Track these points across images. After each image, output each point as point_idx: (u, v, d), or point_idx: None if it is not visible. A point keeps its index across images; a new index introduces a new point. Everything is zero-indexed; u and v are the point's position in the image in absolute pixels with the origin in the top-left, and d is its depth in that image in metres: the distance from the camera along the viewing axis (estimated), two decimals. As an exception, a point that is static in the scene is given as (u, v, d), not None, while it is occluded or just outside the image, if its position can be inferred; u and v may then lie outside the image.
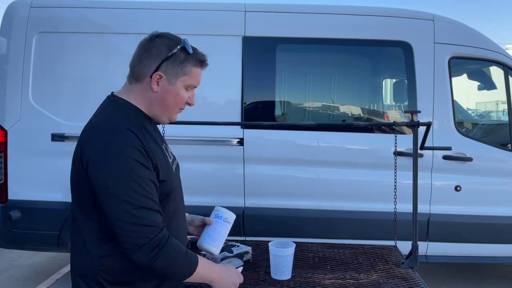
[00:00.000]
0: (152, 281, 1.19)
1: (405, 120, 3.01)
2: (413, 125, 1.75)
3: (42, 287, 3.48)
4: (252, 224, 3.16)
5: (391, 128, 2.99)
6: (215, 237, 1.42)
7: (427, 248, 3.20)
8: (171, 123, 1.31)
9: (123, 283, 1.15)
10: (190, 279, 1.19)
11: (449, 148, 1.87)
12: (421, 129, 2.14)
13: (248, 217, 3.18)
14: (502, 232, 3.16)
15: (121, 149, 1.07)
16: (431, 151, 3.16)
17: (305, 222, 3.14)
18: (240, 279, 1.33)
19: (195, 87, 1.24)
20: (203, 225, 1.48)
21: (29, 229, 3.12)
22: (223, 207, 1.49)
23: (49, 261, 4.08)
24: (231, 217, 1.43)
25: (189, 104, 1.25)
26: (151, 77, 1.18)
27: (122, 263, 1.12)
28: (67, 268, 3.88)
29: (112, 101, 1.22)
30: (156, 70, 1.17)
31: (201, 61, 1.22)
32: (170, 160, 1.27)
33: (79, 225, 1.16)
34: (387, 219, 3.00)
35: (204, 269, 1.21)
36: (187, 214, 1.48)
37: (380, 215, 3.09)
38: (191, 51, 1.19)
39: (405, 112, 1.76)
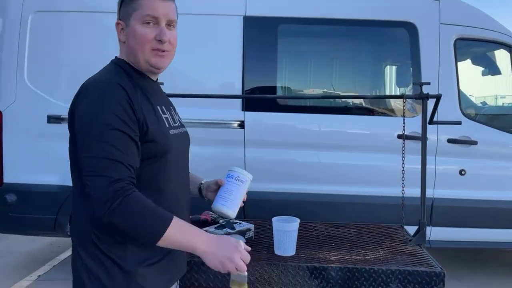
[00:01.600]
0: (145, 248, 1.11)
1: (410, 102, 2.97)
2: (422, 98, 1.69)
3: (39, 273, 3.42)
4: (253, 208, 3.09)
5: (394, 111, 2.92)
6: (226, 197, 1.30)
7: (430, 233, 3.14)
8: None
9: (114, 245, 1.09)
10: (166, 245, 1.04)
11: (459, 123, 1.81)
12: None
13: (249, 200, 3.08)
14: (506, 217, 3.11)
15: (104, 103, 1.05)
16: (436, 135, 3.10)
17: (306, 206, 3.08)
18: (239, 253, 1.08)
19: (155, 17, 1.14)
20: (219, 188, 1.37)
21: (25, 213, 3.05)
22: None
23: (47, 248, 4.02)
24: (245, 176, 1.31)
25: (162, 41, 1.14)
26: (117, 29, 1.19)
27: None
28: (65, 255, 3.83)
29: (111, 62, 1.23)
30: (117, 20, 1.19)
31: None
32: (172, 124, 1.23)
33: (77, 190, 1.14)
34: (389, 204, 2.95)
35: (183, 235, 1.04)
36: (204, 180, 1.43)
37: (383, 200, 3.03)
38: None
39: (413, 84, 1.69)
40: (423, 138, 1.70)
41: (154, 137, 1.10)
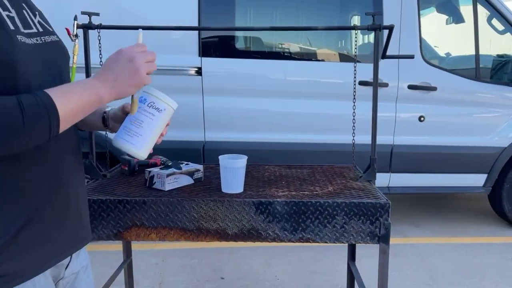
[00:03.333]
0: (4, 212, 0.79)
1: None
2: (375, 29, 1.61)
3: None
4: (212, 157, 3.04)
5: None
6: (133, 130, 0.92)
7: (389, 179, 3.19)
8: None
9: None
10: (70, 121, 0.78)
11: (411, 57, 1.76)
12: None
13: (209, 151, 3.05)
14: (463, 162, 3.18)
15: None
16: (397, 82, 3.08)
17: (267, 154, 3.04)
18: (136, 54, 0.83)
19: None
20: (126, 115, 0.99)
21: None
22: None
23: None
24: (164, 102, 0.94)
25: None
26: None
27: None
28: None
29: None
30: None
31: None
32: (23, 29, 0.83)
33: None
34: (349, 150, 2.95)
35: (74, 98, 0.77)
36: (110, 108, 1.06)
37: (343, 147, 3.02)
38: None
39: (366, 14, 1.61)
40: (374, 71, 1.65)
41: None
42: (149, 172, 1.66)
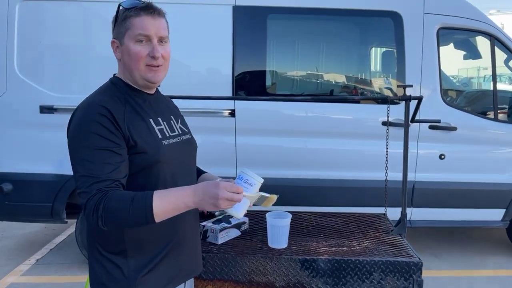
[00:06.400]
0: (145, 254, 1.23)
1: (394, 89, 3.11)
2: (405, 99, 1.80)
3: (37, 257, 3.53)
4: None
5: (383, 100, 3.04)
6: None
7: (411, 213, 3.35)
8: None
9: (116, 252, 1.22)
10: (163, 218, 1.12)
11: (438, 121, 1.94)
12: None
13: (240, 186, 3.24)
14: (481, 198, 3.32)
15: (85, 125, 1.15)
16: (418, 123, 3.24)
17: (295, 190, 3.23)
18: (222, 189, 1.11)
19: (147, 36, 1.22)
20: None
21: (21, 201, 3.13)
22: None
23: (41, 231, 4.12)
24: (254, 179, 1.28)
25: (154, 57, 1.22)
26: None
27: (114, 233, 1.20)
28: (60, 238, 3.93)
29: (109, 79, 1.31)
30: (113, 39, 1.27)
31: (138, 9, 1.21)
32: (169, 134, 1.29)
33: None
34: (373, 187, 3.12)
35: (170, 203, 1.11)
36: (219, 179, 1.33)
37: (367, 183, 3.20)
38: (127, 6, 1.23)
39: (397, 86, 1.80)
40: (405, 136, 1.83)
41: (143, 149, 1.19)
42: (203, 226, 1.86)
